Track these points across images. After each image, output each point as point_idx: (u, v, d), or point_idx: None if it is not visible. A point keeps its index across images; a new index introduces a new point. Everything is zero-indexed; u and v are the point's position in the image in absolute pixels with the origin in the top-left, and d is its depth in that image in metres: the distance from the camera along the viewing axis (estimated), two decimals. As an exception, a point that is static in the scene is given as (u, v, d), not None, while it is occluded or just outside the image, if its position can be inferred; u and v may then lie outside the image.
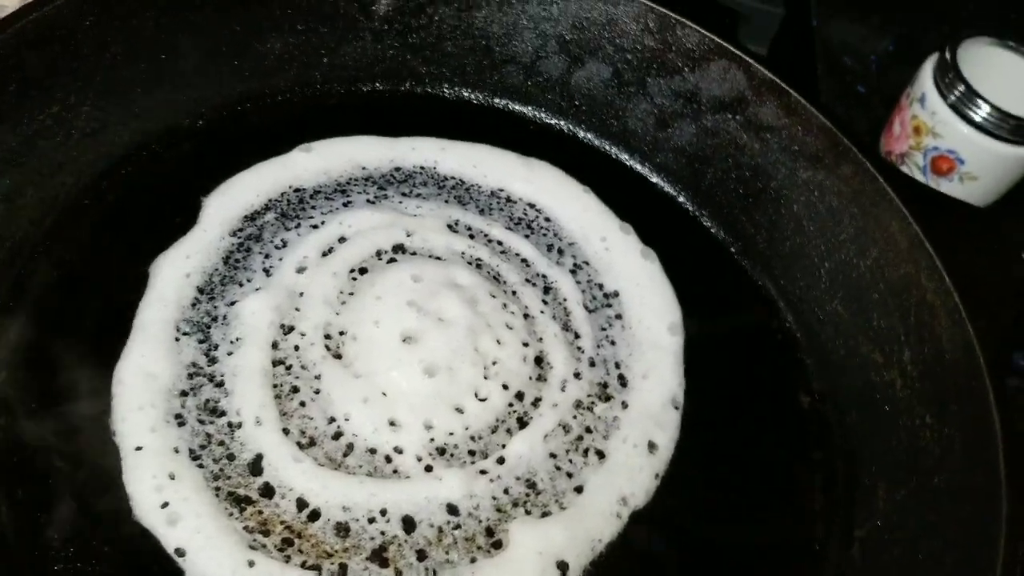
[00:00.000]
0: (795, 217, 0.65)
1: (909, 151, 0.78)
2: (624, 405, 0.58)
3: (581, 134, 0.72)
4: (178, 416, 0.52)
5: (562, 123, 0.72)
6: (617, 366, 0.60)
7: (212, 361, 0.55)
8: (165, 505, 0.49)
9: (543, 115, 0.72)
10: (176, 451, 0.51)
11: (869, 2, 1.02)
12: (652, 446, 0.56)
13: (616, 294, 0.63)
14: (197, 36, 0.63)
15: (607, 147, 0.71)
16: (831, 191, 0.63)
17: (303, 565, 0.48)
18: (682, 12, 0.67)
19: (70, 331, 0.54)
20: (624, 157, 0.71)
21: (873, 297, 0.59)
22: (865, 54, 0.97)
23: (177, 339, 0.55)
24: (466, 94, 0.72)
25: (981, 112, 0.71)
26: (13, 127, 0.54)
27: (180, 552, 0.47)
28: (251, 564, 0.48)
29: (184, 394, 0.53)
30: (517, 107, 0.72)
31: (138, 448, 0.50)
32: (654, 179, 0.70)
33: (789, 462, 0.58)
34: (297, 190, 0.64)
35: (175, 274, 0.57)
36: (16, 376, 0.52)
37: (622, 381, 0.59)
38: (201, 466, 0.51)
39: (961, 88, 0.72)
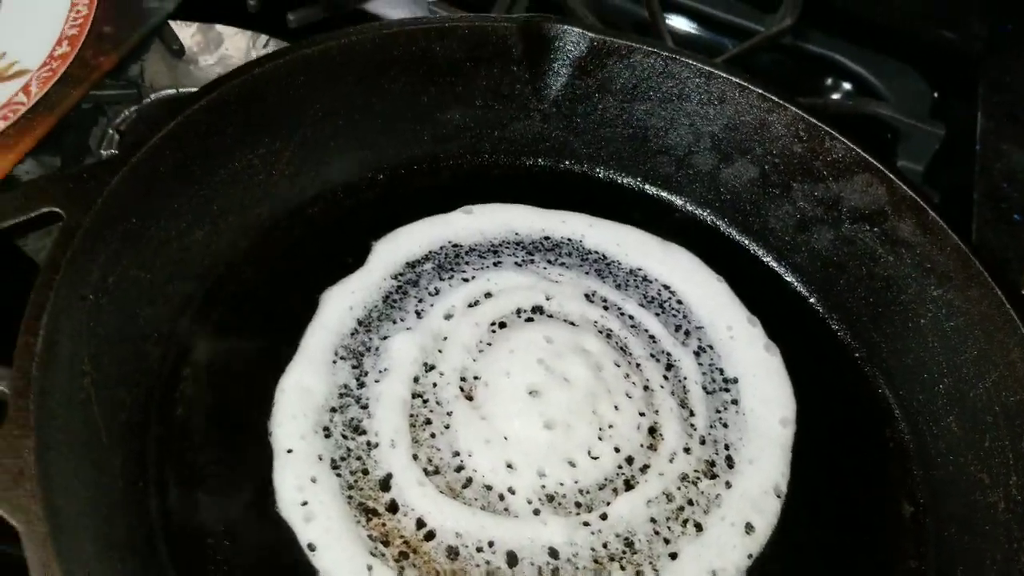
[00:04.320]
0: (920, 332, 0.67)
1: (1053, 283, 0.78)
2: (728, 485, 0.61)
3: (722, 227, 0.76)
4: (326, 429, 0.59)
5: (705, 214, 0.76)
6: (726, 447, 0.63)
7: (361, 385, 0.62)
8: (304, 503, 0.55)
9: (688, 205, 0.77)
10: (320, 458, 0.57)
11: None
12: (749, 527, 0.59)
13: (735, 380, 0.67)
14: (388, 102, 0.71)
15: (746, 242, 0.75)
16: (958, 311, 0.64)
17: (413, 578, 0.54)
18: (843, 124, 0.71)
19: (248, 341, 0.62)
20: (761, 253, 0.75)
21: (987, 419, 0.61)
22: (1029, 184, 0.97)
23: (334, 362, 0.62)
24: (618, 177, 0.77)
25: None
26: (226, 162, 0.64)
27: (312, 547, 0.54)
28: (370, 568, 0.53)
29: (333, 410, 0.60)
30: (664, 195, 0.77)
31: (289, 451, 0.57)
32: (788, 277, 0.74)
33: (883, 565, 0.60)
34: (455, 245, 0.71)
35: (340, 305, 0.65)
36: (198, 373, 0.60)
37: (729, 462, 0.62)
38: (339, 475, 0.57)
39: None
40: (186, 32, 0.90)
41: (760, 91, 0.72)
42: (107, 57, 0.75)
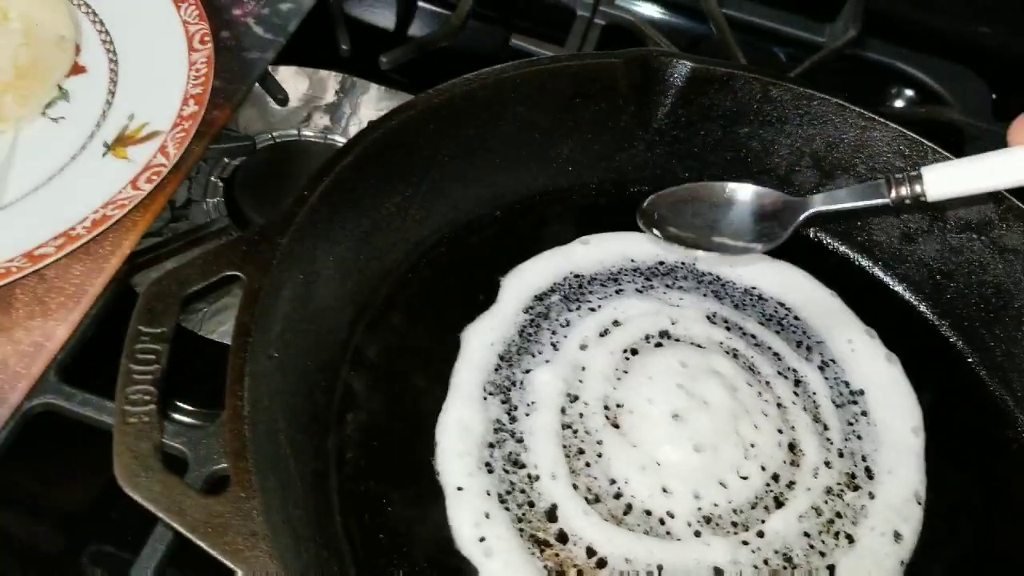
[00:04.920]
0: (1034, 335, 0.70)
1: None
2: (871, 495, 0.64)
3: (827, 241, 0.79)
4: (487, 464, 0.62)
5: (810, 231, 0.79)
6: (864, 459, 0.66)
7: (513, 420, 0.64)
8: (482, 539, 0.58)
9: (793, 222, 0.79)
10: (488, 494, 0.60)
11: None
12: (898, 536, 0.62)
13: (862, 392, 0.69)
14: (504, 141, 0.74)
15: (852, 254, 0.78)
16: (1073, 315, 0.67)
17: (594, 605, 0.57)
18: (924, 135, 0.74)
19: (400, 382, 0.65)
20: (868, 265, 0.78)
21: (1114, 414, 0.64)
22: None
23: (485, 398, 0.65)
24: (723, 200, 0.80)
25: None
26: (369, 212, 0.66)
27: (494, 580, 0.57)
28: (553, 599, 0.56)
29: (491, 446, 0.63)
30: (769, 214, 0.80)
31: (459, 488, 0.60)
32: (896, 288, 0.76)
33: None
34: (577, 276, 0.73)
35: (482, 342, 0.68)
36: (360, 417, 0.63)
37: (868, 473, 0.65)
38: (507, 509, 0.60)
39: None
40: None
41: (859, 110, 0.74)
42: (221, 111, 0.78)
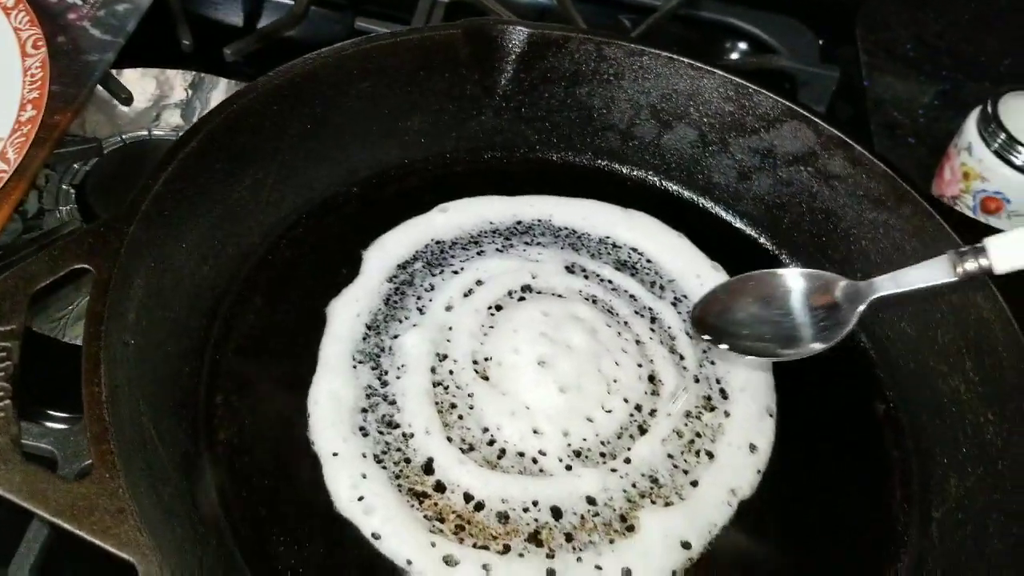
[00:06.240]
0: (863, 252, 0.75)
1: (960, 194, 0.88)
2: (727, 414, 0.68)
3: (672, 187, 0.83)
4: (362, 428, 0.63)
5: (655, 178, 0.83)
6: (718, 382, 0.70)
7: (384, 384, 0.66)
8: (361, 499, 0.60)
9: (638, 172, 0.83)
10: (364, 456, 0.62)
11: (912, 62, 1.12)
12: (753, 447, 0.66)
13: (712, 322, 0.74)
14: (352, 118, 0.75)
15: (695, 197, 0.82)
16: (894, 228, 0.73)
17: (474, 545, 0.59)
18: (749, 80, 0.79)
19: (269, 361, 0.66)
20: (710, 206, 0.82)
21: (936, 316, 0.69)
22: (913, 109, 1.07)
23: (354, 367, 0.67)
24: (571, 157, 0.84)
25: (1022, 157, 0.82)
26: (218, 197, 0.67)
27: (376, 536, 0.58)
28: (433, 544, 0.58)
29: (364, 411, 0.64)
30: (615, 166, 0.83)
31: (335, 454, 0.61)
32: (737, 224, 0.81)
33: (870, 460, 0.68)
34: (438, 242, 0.76)
35: (347, 314, 0.69)
36: (231, 398, 0.63)
37: (723, 394, 0.69)
38: (384, 468, 0.62)
39: (1003, 137, 0.82)
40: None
41: (688, 61, 0.79)
42: (63, 115, 0.77)
